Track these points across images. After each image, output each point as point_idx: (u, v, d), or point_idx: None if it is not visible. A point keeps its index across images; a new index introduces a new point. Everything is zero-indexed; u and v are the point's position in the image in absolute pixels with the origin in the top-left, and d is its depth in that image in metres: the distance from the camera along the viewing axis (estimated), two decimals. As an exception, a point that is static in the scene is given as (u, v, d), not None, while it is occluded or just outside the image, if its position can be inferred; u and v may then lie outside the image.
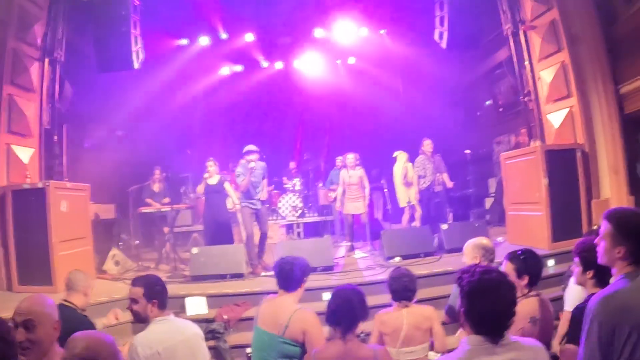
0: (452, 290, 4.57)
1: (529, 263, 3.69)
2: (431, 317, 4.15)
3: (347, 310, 3.34)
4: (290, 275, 4.08)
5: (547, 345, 3.38)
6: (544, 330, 3.52)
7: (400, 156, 10.96)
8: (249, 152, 8.66)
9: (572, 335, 2.92)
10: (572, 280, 3.73)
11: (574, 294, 3.94)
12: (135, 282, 3.66)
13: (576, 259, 3.36)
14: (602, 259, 2.60)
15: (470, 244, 4.51)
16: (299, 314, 3.89)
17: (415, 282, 4.26)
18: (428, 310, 4.21)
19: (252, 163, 8.54)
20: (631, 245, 2.42)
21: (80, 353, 2.29)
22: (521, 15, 9.11)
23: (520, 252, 3.78)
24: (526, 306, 3.49)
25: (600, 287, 2.96)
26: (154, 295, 3.54)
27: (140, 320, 3.57)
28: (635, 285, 2.34)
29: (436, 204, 9.83)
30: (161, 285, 3.66)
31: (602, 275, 3.00)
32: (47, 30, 8.53)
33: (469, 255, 4.44)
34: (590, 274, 3.24)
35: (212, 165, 9.18)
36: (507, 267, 3.70)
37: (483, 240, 4.54)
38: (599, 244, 2.60)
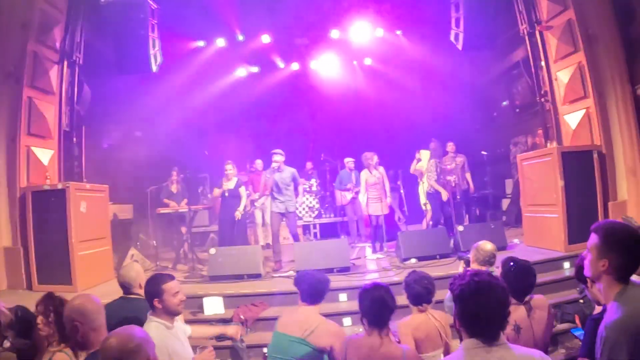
0: (446, 296, 4.47)
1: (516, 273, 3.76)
2: (447, 321, 4.15)
3: (383, 309, 3.48)
4: (319, 293, 4.22)
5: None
6: (528, 339, 3.55)
7: (423, 155, 10.90)
8: (272, 154, 8.99)
9: (587, 349, 2.82)
10: None
11: None
12: None
13: None
14: (587, 272, 2.57)
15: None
16: (327, 325, 4.06)
17: (434, 284, 4.23)
18: (443, 314, 4.22)
19: (274, 164, 8.82)
20: (615, 258, 2.39)
21: (113, 354, 2.32)
22: (537, 15, 9.04)
23: (512, 262, 3.83)
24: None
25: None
26: None
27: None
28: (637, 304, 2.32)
29: (455, 204, 9.71)
30: None
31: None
32: (66, 34, 8.66)
33: (471, 257, 4.51)
34: None
35: (230, 169, 9.34)
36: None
37: (482, 245, 4.60)
38: (586, 257, 2.57)
